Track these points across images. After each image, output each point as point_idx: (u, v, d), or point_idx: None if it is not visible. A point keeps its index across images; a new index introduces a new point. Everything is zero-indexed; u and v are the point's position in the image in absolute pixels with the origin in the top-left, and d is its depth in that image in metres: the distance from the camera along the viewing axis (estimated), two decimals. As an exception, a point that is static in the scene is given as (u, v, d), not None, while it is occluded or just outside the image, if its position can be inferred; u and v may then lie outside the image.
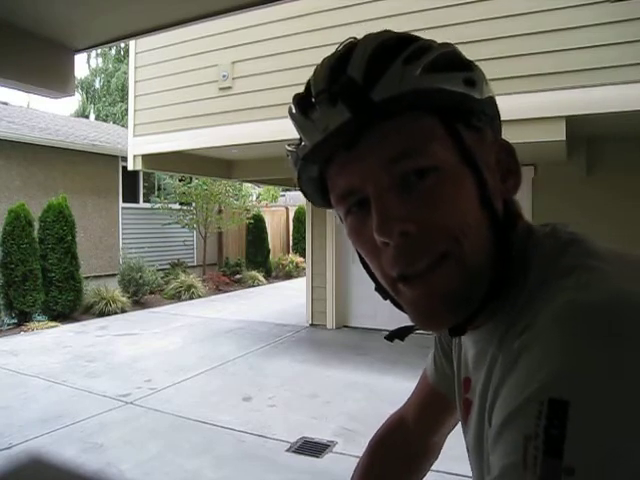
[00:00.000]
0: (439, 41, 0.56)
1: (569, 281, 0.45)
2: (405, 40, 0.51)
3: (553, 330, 0.42)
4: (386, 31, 0.53)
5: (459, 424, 0.72)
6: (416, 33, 0.54)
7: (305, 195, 0.60)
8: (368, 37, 0.52)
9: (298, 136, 0.55)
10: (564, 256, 0.49)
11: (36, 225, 7.67)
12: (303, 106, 0.52)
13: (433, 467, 0.87)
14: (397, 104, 0.48)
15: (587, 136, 5.54)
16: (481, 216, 0.50)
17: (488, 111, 0.54)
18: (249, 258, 13.16)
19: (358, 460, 0.86)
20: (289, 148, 0.58)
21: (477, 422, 0.56)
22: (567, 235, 0.53)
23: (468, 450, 0.62)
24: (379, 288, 0.58)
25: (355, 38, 0.53)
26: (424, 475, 0.86)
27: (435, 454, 0.87)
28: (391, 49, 0.50)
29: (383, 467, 0.84)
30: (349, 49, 0.51)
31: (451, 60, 0.53)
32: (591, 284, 0.44)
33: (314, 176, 0.56)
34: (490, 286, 0.51)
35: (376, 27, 0.50)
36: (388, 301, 0.59)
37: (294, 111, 0.54)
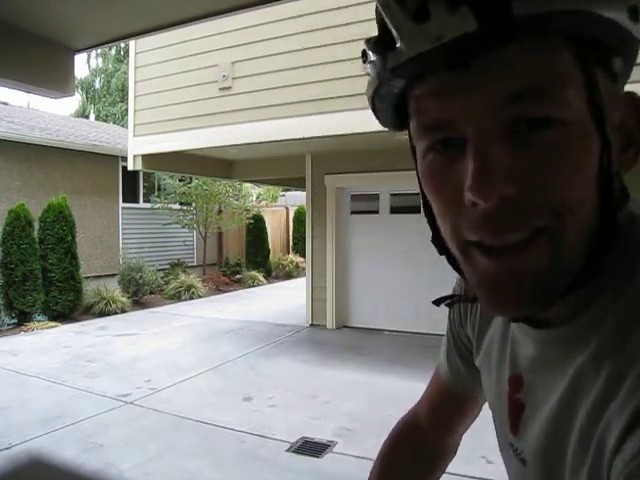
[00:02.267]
0: None
1: None
2: None
3: None
4: None
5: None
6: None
7: (374, 111, 0.49)
8: None
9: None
10: None
11: (36, 225, 7.67)
12: (412, 2, 0.39)
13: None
14: (544, 25, 0.37)
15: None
16: (595, 191, 0.41)
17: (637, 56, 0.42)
18: (249, 258, 13.16)
19: (374, 461, 0.83)
20: (369, 46, 0.47)
21: (559, 436, 0.48)
22: None
23: (516, 453, 0.56)
24: (437, 242, 0.49)
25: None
26: (440, 475, 0.84)
27: (451, 454, 0.84)
28: None
29: (400, 468, 0.81)
30: None
31: None
32: None
33: (395, 92, 0.45)
34: (577, 277, 0.43)
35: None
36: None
37: (391, 2, 0.40)
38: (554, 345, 0.49)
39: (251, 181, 11.15)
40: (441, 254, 0.50)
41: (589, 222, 0.42)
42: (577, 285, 0.43)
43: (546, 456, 0.50)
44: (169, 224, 11.12)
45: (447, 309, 0.69)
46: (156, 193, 11.42)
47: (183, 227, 11.27)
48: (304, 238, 8.21)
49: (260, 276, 12.23)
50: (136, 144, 6.71)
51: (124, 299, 8.61)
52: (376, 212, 7.14)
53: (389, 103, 0.47)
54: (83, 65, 28.34)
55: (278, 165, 7.85)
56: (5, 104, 12.05)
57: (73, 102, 28.79)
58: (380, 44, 0.43)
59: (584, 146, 0.40)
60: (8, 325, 7.20)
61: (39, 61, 2.28)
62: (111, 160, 10.24)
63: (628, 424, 0.38)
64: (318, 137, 5.25)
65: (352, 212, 7.33)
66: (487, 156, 0.39)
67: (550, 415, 0.49)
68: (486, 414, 0.69)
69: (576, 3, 0.36)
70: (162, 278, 10.16)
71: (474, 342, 0.66)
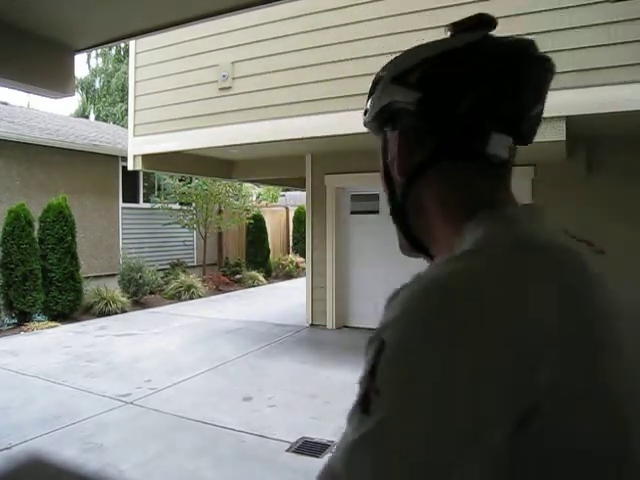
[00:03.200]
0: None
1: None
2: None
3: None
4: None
5: None
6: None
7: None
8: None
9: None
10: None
11: (36, 225, 7.67)
12: None
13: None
14: (369, 126, 0.75)
15: (587, 136, 5.54)
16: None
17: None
18: (249, 258, 13.16)
19: None
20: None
21: None
22: None
23: None
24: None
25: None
26: None
27: None
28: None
29: None
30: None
31: None
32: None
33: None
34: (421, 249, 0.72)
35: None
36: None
37: None
38: None
39: (251, 181, 11.15)
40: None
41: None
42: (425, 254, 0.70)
43: None
44: (169, 224, 11.12)
45: None
46: (156, 193, 11.42)
47: (183, 227, 11.27)
48: (304, 238, 8.21)
49: (260, 276, 12.23)
50: (136, 144, 6.71)
51: (124, 299, 8.61)
52: (376, 212, 7.14)
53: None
54: (83, 65, 28.35)
55: (278, 165, 7.85)
56: (5, 104, 12.05)
57: (73, 102, 28.81)
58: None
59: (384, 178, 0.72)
60: (8, 325, 7.20)
61: (39, 61, 2.28)
62: (111, 160, 10.24)
63: None
64: (318, 137, 5.24)
65: (352, 212, 7.33)
66: None
67: None
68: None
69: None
70: (162, 278, 10.16)
71: None
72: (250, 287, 11.64)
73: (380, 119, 0.69)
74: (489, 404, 0.46)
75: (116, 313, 8.26)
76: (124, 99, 23.27)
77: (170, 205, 11.02)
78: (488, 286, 0.51)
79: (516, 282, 0.51)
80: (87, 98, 27.09)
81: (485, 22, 0.64)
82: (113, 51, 26.55)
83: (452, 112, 0.62)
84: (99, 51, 25.41)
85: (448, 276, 0.53)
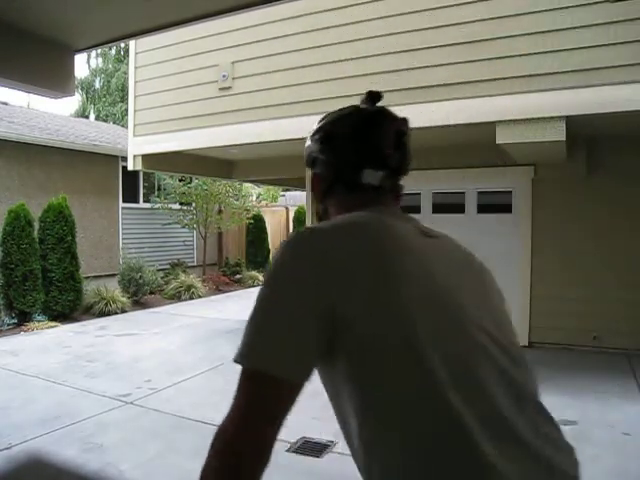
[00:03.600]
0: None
1: None
2: None
3: None
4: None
5: None
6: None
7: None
8: None
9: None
10: None
11: (36, 225, 7.67)
12: None
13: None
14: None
15: (587, 136, 5.54)
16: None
17: None
18: (249, 258, 13.16)
19: None
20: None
21: None
22: None
23: None
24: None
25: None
26: None
27: None
28: None
29: None
30: None
31: None
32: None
33: None
34: None
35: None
36: None
37: None
38: None
39: (251, 181, 11.14)
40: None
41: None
42: None
43: None
44: (169, 224, 11.12)
45: None
46: (156, 193, 11.42)
47: (183, 227, 11.26)
48: (304, 238, 8.19)
49: (260, 276, 12.22)
50: (136, 144, 6.71)
51: (124, 299, 8.61)
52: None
53: None
54: (83, 65, 28.35)
55: (278, 165, 7.85)
56: (5, 104, 12.05)
57: (73, 102, 28.80)
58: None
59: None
60: (8, 325, 7.20)
61: (39, 61, 2.28)
62: (111, 160, 10.24)
63: None
64: (318, 137, 5.24)
65: (352, 212, 7.33)
66: None
67: None
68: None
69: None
70: (162, 278, 10.16)
71: None
72: (250, 287, 11.63)
73: (306, 162, 1.09)
74: (309, 293, 0.80)
75: (116, 313, 8.26)
76: (124, 99, 23.27)
77: (170, 205, 11.01)
78: (331, 232, 0.89)
79: (354, 232, 0.88)
80: (87, 98, 27.09)
81: (374, 96, 1.03)
82: (113, 51, 26.55)
83: (339, 158, 1.02)
84: (99, 51, 25.41)
85: (314, 227, 0.92)
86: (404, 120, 1.01)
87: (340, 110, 1.04)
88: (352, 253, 0.82)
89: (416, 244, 0.90)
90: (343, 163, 1.00)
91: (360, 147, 0.99)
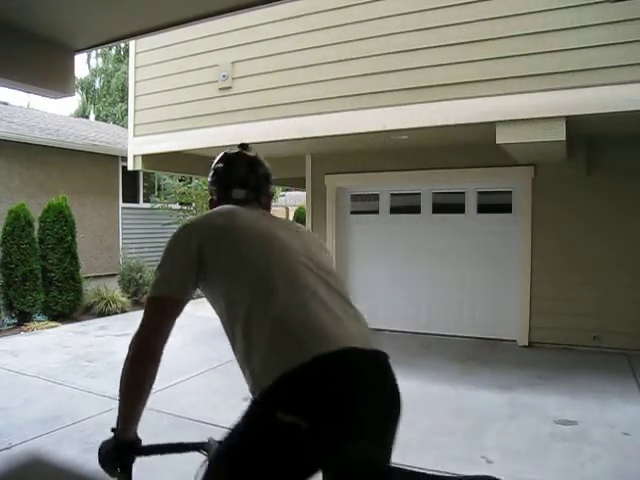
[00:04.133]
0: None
1: None
2: None
3: None
4: None
5: None
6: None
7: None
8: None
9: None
10: None
11: (36, 225, 7.67)
12: None
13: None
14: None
15: (587, 136, 5.54)
16: None
17: None
18: (249, 258, 13.14)
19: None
20: None
21: None
22: None
23: None
24: None
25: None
26: None
27: None
28: None
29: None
30: None
31: None
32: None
33: None
34: None
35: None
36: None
37: None
38: None
39: (251, 181, 11.13)
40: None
41: None
42: None
43: None
44: (169, 224, 11.12)
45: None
46: (156, 193, 11.42)
47: (183, 227, 11.26)
48: (304, 238, 8.20)
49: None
50: (136, 144, 6.71)
51: (124, 299, 8.61)
52: (376, 212, 7.14)
53: None
54: (83, 65, 28.34)
55: (278, 165, 7.79)
56: (5, 104, 12.05)
57: (73, 102, 28.80)
58: None
59: None
60: (8, 325, 7.20)
61: (39, 61, 2.28)
62: (111, 160, 10.24)
63: None
64: (318, 137, 5.24)
65: (352, 212, 7.33)
66: None
67: None
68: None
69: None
70: (162, 278, 10.15)
71: None
72: (250, 287, 11.64)
73: (209, 192, 1.67)
74: (185, 245, 1.33)
75: (116, 313, 8.26)
76: (124, 99, 23.27)
77: (170, 205, 11.01)
78: (201, 216, 1.45)
79: (213, 215, 1.44)
80: (87, 98, 27.09)
81: (243, 145, 1.61)
82: (113, 51, 26.54)
83: (218, 184, 1.60)
84: (99, 51, 25.41)
85: (205, 214, 1.46)
86: (254, 156, 1.59)
87: (220, 155, 1.62)
88: (211, 222, 1.39)
89: (256, 219, 1.42)
90: (221, 187, 1.57)
91: (228, 176, 1.56)
